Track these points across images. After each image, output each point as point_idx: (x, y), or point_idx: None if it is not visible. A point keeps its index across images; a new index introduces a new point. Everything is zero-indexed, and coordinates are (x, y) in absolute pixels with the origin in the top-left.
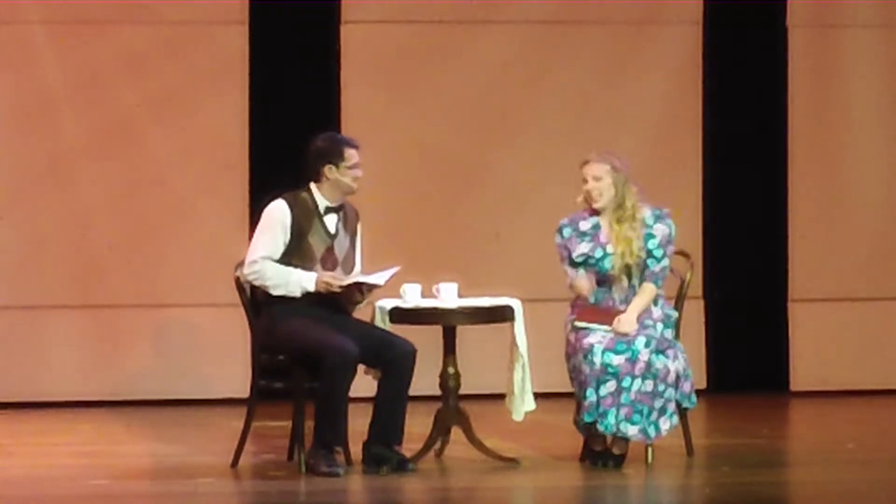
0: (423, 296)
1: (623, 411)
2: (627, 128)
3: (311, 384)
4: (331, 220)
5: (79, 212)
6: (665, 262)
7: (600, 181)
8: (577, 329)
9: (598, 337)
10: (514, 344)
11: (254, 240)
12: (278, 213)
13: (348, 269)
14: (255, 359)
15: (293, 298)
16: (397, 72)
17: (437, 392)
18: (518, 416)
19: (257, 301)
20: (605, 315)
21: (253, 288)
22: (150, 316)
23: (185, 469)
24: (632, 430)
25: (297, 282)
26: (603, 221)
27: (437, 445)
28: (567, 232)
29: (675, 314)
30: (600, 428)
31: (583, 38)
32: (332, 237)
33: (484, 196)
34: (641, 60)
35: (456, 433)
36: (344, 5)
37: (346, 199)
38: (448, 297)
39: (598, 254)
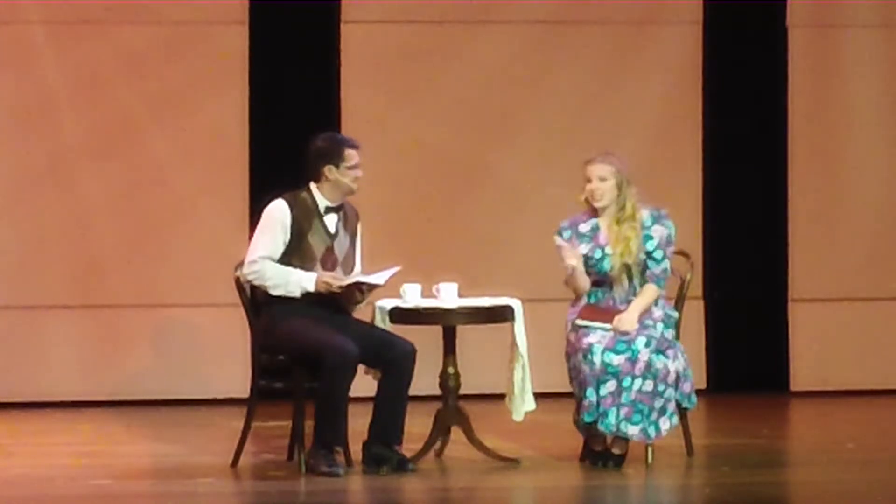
0: (423, 296)
1: (623, 411)
2: (627, 128)
3: (311, 384)
4: (331, 220)
5: (79, 212)
6: (665, 263)
7: (605, 181)
8: (577, 329)
9: (597, 337)
10: (514, 344)
11: (254, 240)
12: (278, 212)
13: (348, 269)
14: (255, 359)
15: (293, 298)
16: (397, 72)
17: (437, 392)
18: (518, 416)
19: (257, 301)
20: (606, 314)
21: (253, 288)
22: (150, 316)
23: (185, 469)
24: (632, 430)
25: (297, 282)
26: (602, 223)
27: (437, 445)
28: (567, 234)
29: (675, 314)
30: (601, 428)
31: (583, 38)
32: (332, 237)
33: (484, 196)
34: (641, 60)
35: (456, 433)
36: (344, 5)
37: (346, 199)
38: (448, 297)
39: (598, 255)
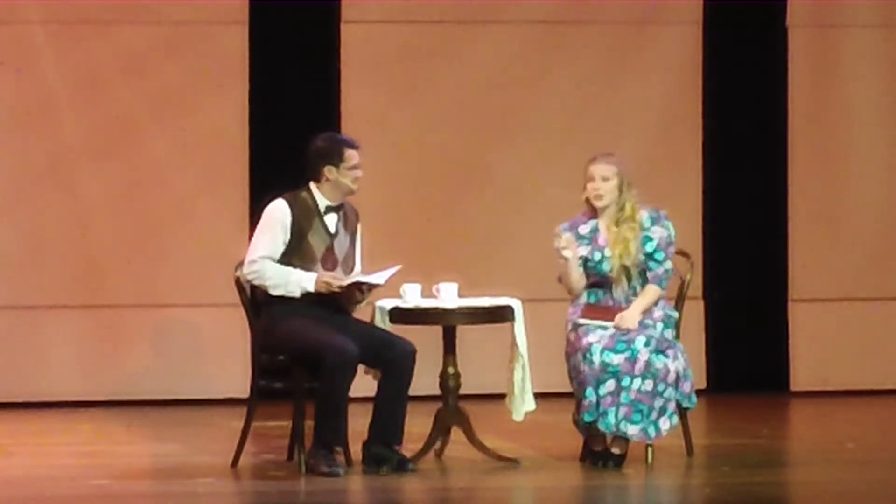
0: (423, 296)
1: (623, 411)
2: (627, 128)
3: (311, 384)
4: (331, 220)
5: (79, 212)
6: (667, 264)
7: (608, 181)
8: (577, 328)
9: (597, 336)
10: (514, 344)
11: (254, 239)
12: (278, 212)
13: (348, 269)
14: (255, 359)
15: (293, 298)
16: (397, 72)
17: (437, 392)
18: (518, 416)
19: (257, 301)
20: (608, 312)
21: (253, 288)
22: (150, 316)
23: (185, 469)
24: (632, 430)
25: (297, 282)
26: (601, 224)
27: (437, 445)
28: (566, 236)
29: (675, 314)
30: (600, 427)
31: (583, 38)
32: (333, 237)
33: (484, 196)
34: (641, 60)
35: (456, 433)
36: (344, 5)
37: (345, 199)
38: (448, 297)
39: (597, 257)
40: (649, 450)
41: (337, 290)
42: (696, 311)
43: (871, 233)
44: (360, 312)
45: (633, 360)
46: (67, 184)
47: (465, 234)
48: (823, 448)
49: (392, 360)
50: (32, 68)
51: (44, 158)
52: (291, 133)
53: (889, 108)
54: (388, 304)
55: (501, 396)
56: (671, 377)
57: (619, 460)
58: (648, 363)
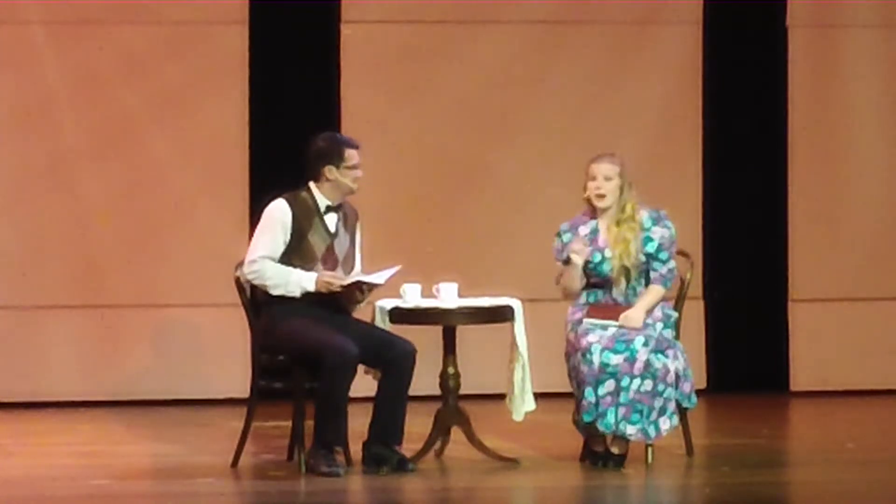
0: (423, 296)
1: (622, 411)
2: (627, 128)
3: (311, 384)
4: (331, 220)
5: (79, 212)
6: (671, 263)
7: (610, 181)
8: (576, 328)
9: (597, 336)
10: (514, 344)
11: (254, 239)
12: (279, 212)
13: (348, 269)
14: (255, 359)
15: (293, 298)
16: (397, 72)
17: (437, 392)
18: (518, 416)
19: (257, 301)
20: (612, 312)
21: (253, 288)
22: (150, 316)
23: (185, 469)
24: (631, 430)
25: (297, 281)
26: (601, 225)
27: (437, 445)
28: (567, 237)
29: (674, 314)
30: (600, 427)
31: (583, 38)
32: (333, 236)
33: (484, 196)
34: (641, 60)
35: (456, 433)
36: (344, 5)
37: (345, 199)
38: (448, 297)
39: (596, 258)
40: (649, 450)
41: (337, 289)
42: (696, 311)
43: (871, 233)
44: (360, 312)
45: (632, 360)
46: (67, 184)
47: (465, 234)
48: (823, 448)
49: (392, 360)
50: (32, 68)
51: (44, 158)
52: (291, 133)
53: (889, 108)
54: (388, 304)
55: (501, 396)
56: (671, 377)
57: (620, 460)
58: (648, 363)
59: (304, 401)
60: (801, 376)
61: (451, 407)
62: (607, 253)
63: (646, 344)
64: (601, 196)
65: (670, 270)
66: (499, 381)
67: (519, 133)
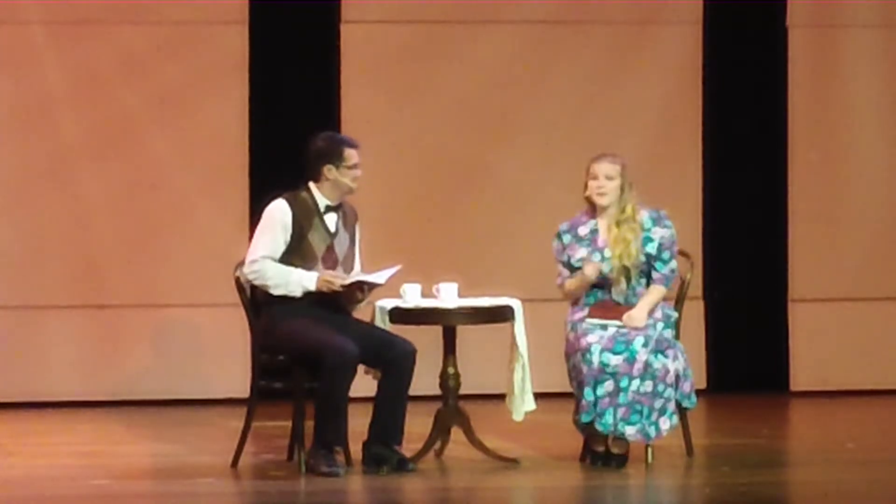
0: (423, 296)
1: (620, 411)
2: (627, 128)
3: (311, 384)
4: (331, 219)
5: (79, 212)
6: (673, 263)
7: (612, 180)
8: (576, 328)
9: (596, 337)
10: (514, 344)
11: (254, 240)
12: (279, 212)
13: (349, 268)
14: (255, 359)
15: (293, 298)
16: (397, 72)
17: (437, 392)
18: (518, 416)
19: (257, 301)
20: (613, 312)
21: (253, 288)
22: (150, 316)
23: (185, 469)
24: (630, 431)
25: (298, 281)
26: (601, 224)
27: (437, 445)
28: (567, 238)
29: (675, 314)
30: (598, 427)
31: (583, 38)
32: (333, 236)
33: (484, 196)
34: (641, 60)
35: (456, 433)
36: (344, 5)
37: (345, 199)
38: (448, 297)
39: (596, 258)
40: (649, 450)
41: (338, 289)
42: (696, 311)
43: (871, 233)
44: (360, 312)
45: (631, 361)
46: (67, 184)
47: (465, 234)
48: (823, 448)
49: (392, 360)
50: (32, 68)
51: (44, 158)
52: (291, 133)
53: (889, 108)
54: (388, 304)
55: (501, 396)
56: (670, 377)
57: (621, 460)
58: (647, 364)
59: (304, 401)
60: (801, 376)
61: (451, 407)
62: (607, 253)
63: (645, 345)
64: (602, 195)
65: (672, 270)
66: (499, 381)
67: (519, 133)
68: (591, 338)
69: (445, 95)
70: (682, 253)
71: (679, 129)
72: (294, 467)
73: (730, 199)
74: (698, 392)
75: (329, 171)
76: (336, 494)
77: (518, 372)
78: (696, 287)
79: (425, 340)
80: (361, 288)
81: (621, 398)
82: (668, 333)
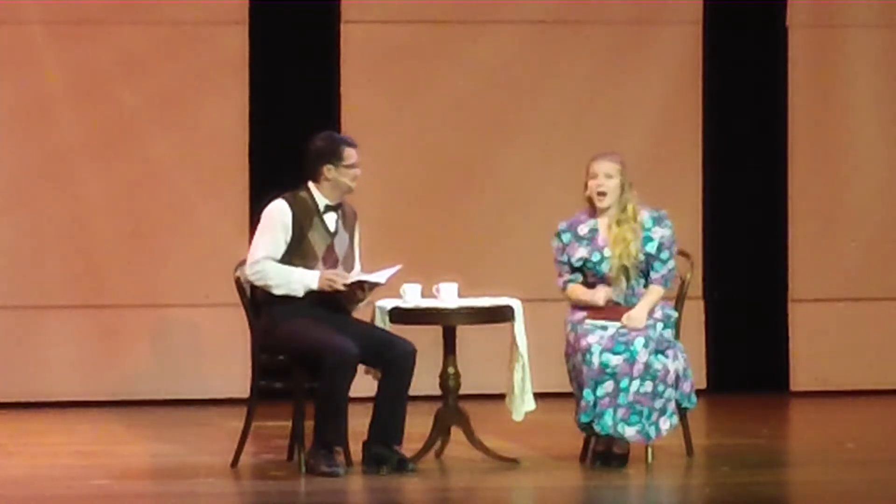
0: (423, 296)
1: (620, 412)
2: (627, 128)
3: (311, 384)
4: (330, 219)
5: (78, 212)
6: (671, 263)
7: (611, 179)
8: (576, 329)
9: (596, 337)
10: (514, 344)
11: (254, 240)
12: (278, 213)
13: (349, 268)
14: (255, 359)
15: (293, 299)
16: (397, 72)
17: (437, 392)
18: (518, 416)
19: (257, 301)
20: (613, 312)
21: (253, 288)
22: (150, 316)
23: (185, 469)
24: (629, 431)
25: (300, 280)
26: (601, 223)
27: (437, 445)
28: (566, 237)
29: (674, 314)
30: (597, 428)
31: (583, 38)
32: (333, 235)
33: (484, 196)
34: (641, 60)
35: (456, 433)
36: (344, 5)
37: (344, 198)
38: (448, 297)
39: (596, 257)
40: (649, 450)
41: (340, 287)
42: (696, 311)
43: (871, 233)
44: (360, 312)
45: (631, 361)
46: (67, 184)
47: (465, 234)
48: (823, 448)
49: (392, 360)
50: (32, 68)
51: (44, 158)
52: (291, 133)
53: (889, 108)
54: (388, 304)
55: (501, 396)
56: (671, 378)
57: (621, 460)
58: (647, 364)
59: (304, 401)
60: (801, 376)
61: (451, 407)
62: (606, 252)
63: (646, 345)
64: (602, 194)
65: (670, 271)
66: (499, 381)
67: (519, 133)
68: (591, 338)
69: (445, 95)
70: (682, 253)
71: (679, 129)
72: (294, 467)
73: (730, 199)
74: (698, 392)
75: (328, 170)
76: (336, 494)
77: (518, 372)
78: (696, 287)
79: (425, 340)
80: (362, 287)
81: (621, 399)
82: (668, 333)
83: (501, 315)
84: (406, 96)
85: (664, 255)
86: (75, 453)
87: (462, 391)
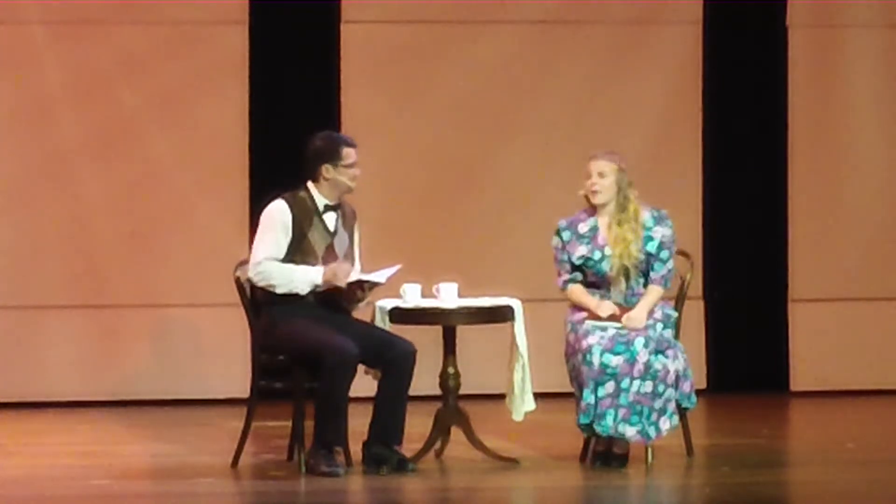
0: (423, 296)
1: (621, 412)
2: (627, 128)
3: (311, 384)
4: (330, 218)
5: (78, 212)
6: (671, 263)
7: (604, 178)
8: (576, 330)
9: (596, 338)
10: (514, 344)
11: (256, 242)
12: (278, 213)
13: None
14: (255, 359)
15: (293, 299)
16: (397, 72)
17: (437, 392)
18: (518, 416)
19: (257, 301)
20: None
21: (253, 288)
22: (150, 316)
23: (185, 469)
24: (630, 432)
25: (303, 277)
26: (601, 222)
27: (437, 445)
28: (566, 235)
29: (675, 314)
30: (598, 429)
31: (583, 38)
32: (332, 235)
33: (484, 196)
34: (641, 60)
35: (456, 433)
36: (344, 5)
37: (343, 198)
38: (448, 297)
39: (597, 256)
40: (649, 450)
41: (342, 282)
42: (696, 311)
43: (870, 233)
44: (360, 312)
45: (632, 361)
46: (67, 184)
47: (465, 234)
48: (823, 448)
49: (392, 360)
50: (32, 68)
51: (44, 158)
52: (291, 133)
53: (889, 108)
54: (388, 304)
55: (501, 396)
56: (671, 378)
57: (621, 460)
58: (647, 365)
59: (304, 401)
60: (801, 376)
61: (451, 407)
62: (607, 251)
63: (646, 345)
64: (596, 193)
65: (670, 271)
66: (499, 381)
67: (519, 133)
68: (591, 339)
69: (445, 95)
70: (682, 253)
71: (679, 129)
72: (294, 467)
73: (730, 199)
74: (698, 392)
75: (327, 170)
76: (336, 494)
77: (518, 372)
78: (696, 287)
79: (425, 340)
80: (362, 287)
81: (622, 399)
82: (668, 333)
83: (501, 315)
84: (406, 96)
85: (664, 254)
86: (75, 453)
87: (462, 391)
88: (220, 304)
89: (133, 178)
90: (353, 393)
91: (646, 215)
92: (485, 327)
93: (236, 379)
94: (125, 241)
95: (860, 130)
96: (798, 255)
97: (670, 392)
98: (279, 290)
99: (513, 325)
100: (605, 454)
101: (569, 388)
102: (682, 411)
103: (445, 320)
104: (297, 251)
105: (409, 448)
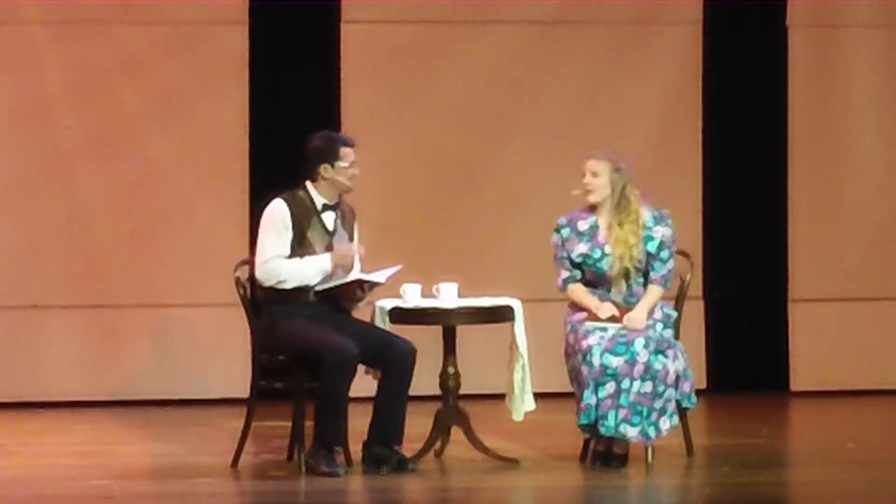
0: (423, 296)
1: (622, 413)
2: (627, 128)
3: (311, 384)
4: (329, 218)
5: (78, 211)
6: (671, 263)
7: (597, 177)
8: (576, 330)
9: (596, 338)
10: (514, 344)
11: (259, 242)
12: (279, 212)
13: (348, 267)
14: (255, 359)
15: (293, 299)
16: (397, 72)
17: (437, 392)
18: (518, 416)
19: (257, 301)
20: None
21: (253, 288)
22: (150, 316)
23: (185, 469)
24: (631, 432)
25: (311, 267)
26: (601, 221)
27: (437, 445)
28: (566, 233)
29: (674, 314)
30: (600, 430)
31: (583, 38)
32: (332, 234)
33: (484, 196)
34: (641, 60)
35: (456, 433)
36: (344, 5)
37: (342, 198)
38: (448, 297)
39: (597, 254)
40: (649, 450)
41: (350, 260)
42: (696, 311)
43: (870, 233)
44: (360, 312)
45: (632, 362)
46: (67, 183)
47: (465, 234)
48: (823, 448)
49: (392, 360)
50: (32, 68)
51: (44, 158)
52: (291, 133)
53: (889, 108)
54: (388, 304)
55: (501, 396)
56: (671, 378)
57: (621, 460)
58: (647, 365)
59: (304, 401)
60: (801, 376)
61: (451, 407)
62: (607, 249)
63: (646, 345)
64: (589, 192)
65: (670, 271)
66: (499, 381)
67: (519, 133)
68: (591, 339)
69: (445, 95)
70: (682, 253)
71: (679, 129)
72: (294, 467)
73: (730, 199)
74: (698, 392)
75: (325, 170)
76: (336, 494)
77: (518, 372)
78: (696, 287)
79: (425, 340)
80: (361, 287)
81: (622, 400)
82: (668, 333)
83: (501, 315)
84: (406, 96)
85: (664, 254)
86: (75, 453)
87: (462, 391)
88: (220, 304)
89: (133, 178)
90: (353, 393)
91: (646, 215)
92: (485, 327)
93: (236, 379)
94: (125, 241)
95: (860, 130)
96: (798, 255)
97: (670, 392)
98: (289, 285)
99: (513, 325)
100: (605, 454)
101: (569, 389)
102: (682, 411)
103: (445, 320)
104: (297, 251)
105: (409, 448)
